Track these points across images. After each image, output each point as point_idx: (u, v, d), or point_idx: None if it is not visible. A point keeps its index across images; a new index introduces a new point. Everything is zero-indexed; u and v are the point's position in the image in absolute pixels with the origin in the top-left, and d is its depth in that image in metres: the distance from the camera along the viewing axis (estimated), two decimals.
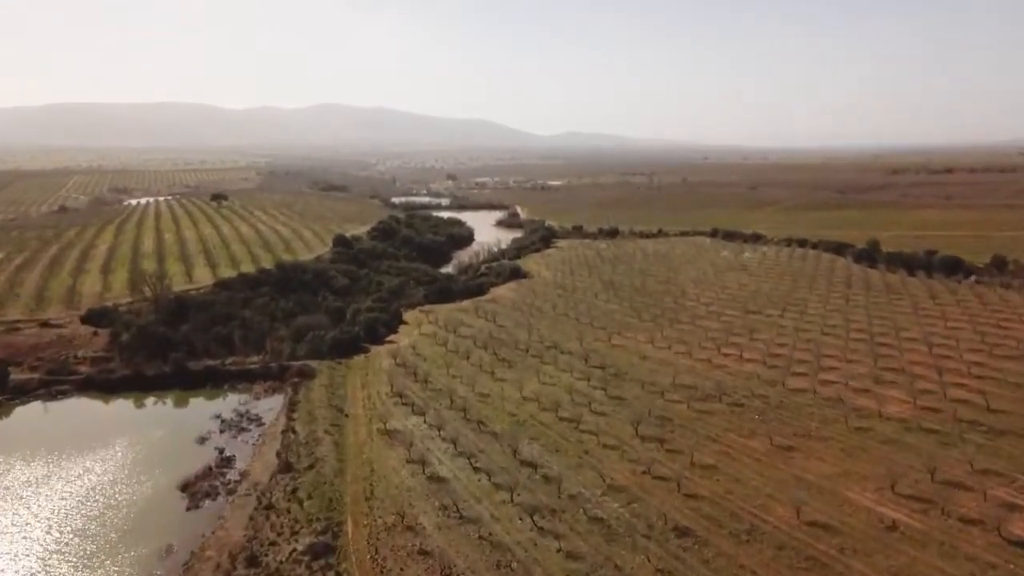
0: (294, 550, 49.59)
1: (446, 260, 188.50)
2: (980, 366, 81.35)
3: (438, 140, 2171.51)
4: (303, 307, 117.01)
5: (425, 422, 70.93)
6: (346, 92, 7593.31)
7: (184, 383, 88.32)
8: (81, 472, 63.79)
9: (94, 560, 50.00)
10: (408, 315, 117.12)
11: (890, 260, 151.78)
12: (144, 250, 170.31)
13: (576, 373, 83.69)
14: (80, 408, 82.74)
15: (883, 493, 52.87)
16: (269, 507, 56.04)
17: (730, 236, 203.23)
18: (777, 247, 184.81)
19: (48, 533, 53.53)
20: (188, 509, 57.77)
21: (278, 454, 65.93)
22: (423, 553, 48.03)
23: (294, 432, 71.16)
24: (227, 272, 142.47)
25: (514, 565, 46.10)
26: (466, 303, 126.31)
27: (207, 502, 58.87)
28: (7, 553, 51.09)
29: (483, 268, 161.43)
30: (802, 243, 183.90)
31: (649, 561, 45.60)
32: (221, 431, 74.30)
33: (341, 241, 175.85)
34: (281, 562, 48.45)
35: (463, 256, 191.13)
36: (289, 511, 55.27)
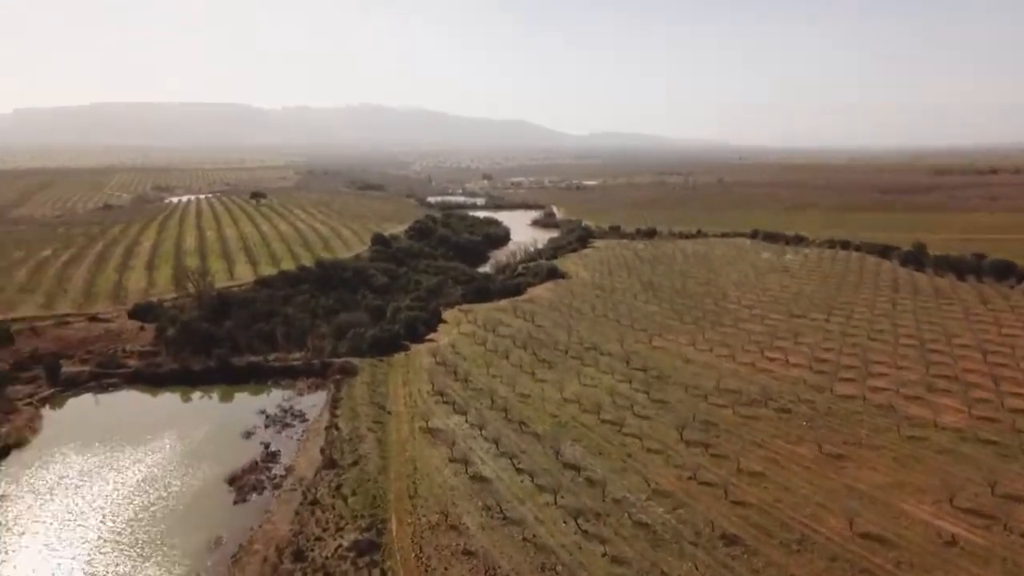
0: (339, 546, 49.81)
1: (483, 260, 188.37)
2: None
3: (474, 140, 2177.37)
4: (343, 305, 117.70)
5: (467, 421, 70.84)
6: (382, 93, 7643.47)
7: (229, 378, 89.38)
8: (132, 463, 64.84)
9: (146, 550, 50.79)
10: (447, 314, 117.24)
11: (938, 264, 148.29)
12: (187, 247, 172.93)
13: (617, 375, 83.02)
14: (129, 401, 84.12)
15: (940, 506, 51.53)
16: (314, 502, 56.41)
17: (771, 237, 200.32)
18: (819, 249, 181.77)
19: (102, 522, 54.49)
20: (235, 502, 58.43)
21: (322, 450, 66.31)
22: (467, 553, 47.90)
23: (337, 429, 71.56)
24: (268, 269, 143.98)
25: (559, 568, 45.78)
26: (504, 303, 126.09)
27: (254, 496, 59.47)
28: (64, 541, 52.12)
29: (520, 268, 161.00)
30: (845, 245, 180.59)
31: (697, 569, 45.03)
32: (266, 426, 75.03)
33: (379, 240, 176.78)
34: (327, 558, 48.69)
35: (500, 256, 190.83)
36: (334, 507, 55.57)
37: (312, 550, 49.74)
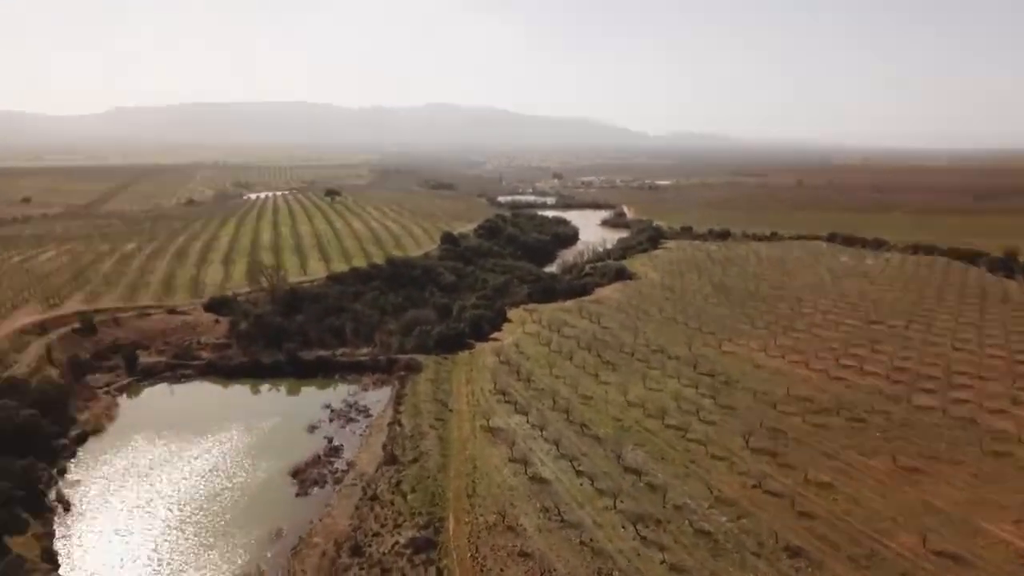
0: (396, 542, 50.05)
1: (550, 259, 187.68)
2: None
3: (544, 139, 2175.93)
4: (411, 302, 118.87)
5: (528, 421, 70.45)
6: (455, 92, 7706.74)
7: (297, 372, 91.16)
8: (200, 453, 66.69)
9: (209, 539, 52.10)
10: (512, 313, 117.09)
11: None
12: (262, 242, 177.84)
13: (684, 379, 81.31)
14: (201, 392, 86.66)
15: (1022, 525, 48.64)
16: (374, 498, 56.87)
17: (850, 241, 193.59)
18: (902, 254, 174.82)
19: (169, 511, 56.13)
20: (297, 495, 59.42)
21: (384, 446, 66.93)
22: (523, 555, 47.47)
23: (400, 425, 72.14)
24: (340, 266, 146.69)
25: (615, 574, 44.91)
26: (569, 303, 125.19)
27: (315, 489, 60.38)
28: (131, 528, 53.85)
29: (587, 268, 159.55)
30: (929, 250, 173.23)
31: None
32: (330, 420, 76.21)
33: (448, 239, 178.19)
34: (384, 554, 48.98)
35: (567, 255, 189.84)
36: (393, 503, 55.90)
37: (370, 546, 50.12)
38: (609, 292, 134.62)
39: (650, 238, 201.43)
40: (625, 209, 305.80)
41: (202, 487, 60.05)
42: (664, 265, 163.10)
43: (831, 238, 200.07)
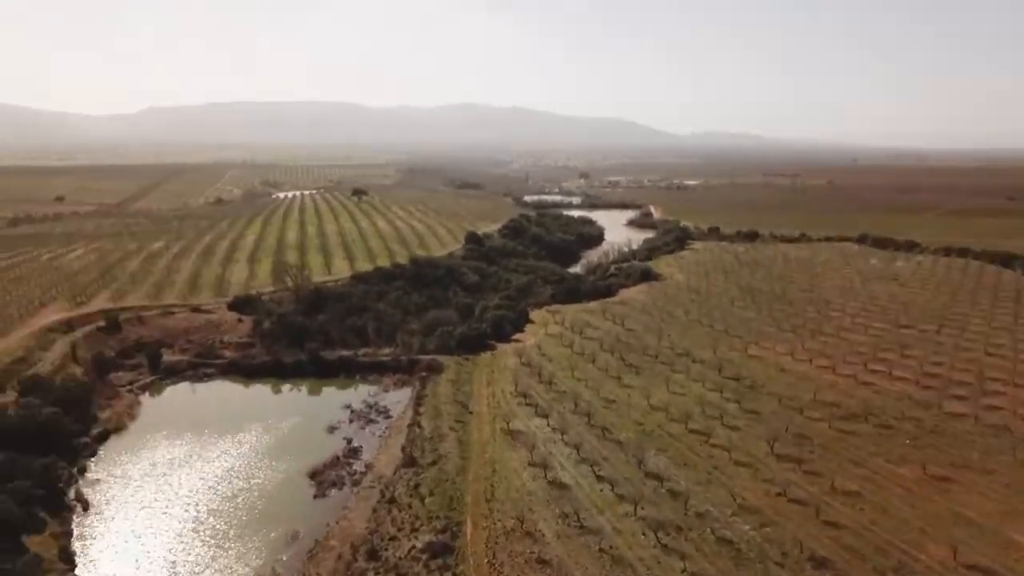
0: (413, 547, 49.55)
1: (575, 259, 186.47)
2: None
3: (572, 139, 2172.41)
4: (434, 302, 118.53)
5: (548, 425, 69.61)
6: (482, 91, 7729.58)
7: (319, 372, 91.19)
8: (219, 454, 66.78)
9: (225, 540, 52.01)
10: (535, 314, 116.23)
11: None
12: (288, 241, 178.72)
13: (708, 383, 79.91)
14: (223, 391, 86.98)
15: None
16: (392, 501, 56.45)
17: (880, 243, 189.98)
18: (934, 256, 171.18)
19: (186, 511, 56.19)
20: (315, 497, 59.25)
21: (403, 448, 66.51)
22: (541, 562, 46.72)
23: (419, 427, 71.68)
24: (364, 265, 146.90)
25: None
26: (593, 304, 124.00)
27: (333, 491, 60.14)
28: (148, 527, 53.94)
29: (612, 269, 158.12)
30: (962, 252, 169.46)
31: None
32: (350, 421, 76.03)
33: (473, 238, 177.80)
34: (400, 558, 48.52)
35: (592, 256, 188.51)
36: (411, 506, 55.44)
37: (386, 550, 49.69)
38: (634, 293, 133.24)
39: (677, 239, 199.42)
40: (652, 209, 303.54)
41: (220, 488, 60.06)
42: (690, 266, 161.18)
43: (861, 240, 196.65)
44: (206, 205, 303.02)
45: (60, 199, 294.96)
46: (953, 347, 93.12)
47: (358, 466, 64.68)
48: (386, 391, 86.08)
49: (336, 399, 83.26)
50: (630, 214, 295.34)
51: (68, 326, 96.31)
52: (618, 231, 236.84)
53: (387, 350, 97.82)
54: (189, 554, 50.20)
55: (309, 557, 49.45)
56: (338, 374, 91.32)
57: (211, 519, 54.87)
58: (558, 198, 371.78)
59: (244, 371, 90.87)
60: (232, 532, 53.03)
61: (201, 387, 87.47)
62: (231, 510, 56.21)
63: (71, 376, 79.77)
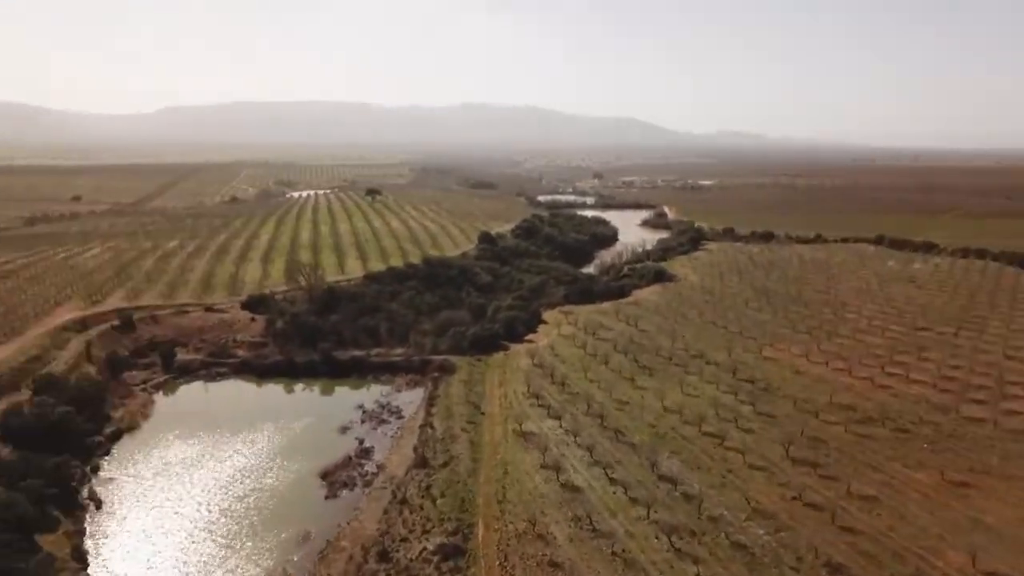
0: (424, 549, 49.32)
1: (588, 260, 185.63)
2: None
3: (586, 138, 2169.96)
4: (447, 302, 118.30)
5: (561, 426, 69.22)
6: (495, 90, 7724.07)
7: (331, 372, 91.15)
8: (231, 453, 66.80)
9: (236, 541, 51.95)
10: (547, 315, 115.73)
11: None
12: (302, 241, 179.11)
13: (722, 386, 79.22)
14: (235, 390, 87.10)
15: None
16: (403, 502, 56.26)
17: (898, 244, 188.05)
18: (951, 258, 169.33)
19: (197, 511, 56.20)
20: (327, 497, 59.12)
21: (415, 449, 66.31)
22: (553, 565, 46.37)
23: (432, 427, 71.48)
24: (377, 265, 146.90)
25: None
26: (607, 305, 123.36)
27: (345, 492, 60.00)
28: (160, 527, 53.97)
29: (626, 269, 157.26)
30: (981, 254, 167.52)
31: None
32: (362, 421, 75.90)
33: (486, 238, 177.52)
34: (411, 560, 48.30)
35: (606, 256, 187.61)
36: (422, 508, 55.21)
37: (397, 551, 49.49)
38: (647, 294, 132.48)
39: (691, 239, 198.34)
40: (666, 209, 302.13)
41: (232, 488, 60.04)
42: (704, 267, 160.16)
43: (878, 241, 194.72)
44: (221, 204, 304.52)
45: (77, 198, 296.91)
46: (972, 350, 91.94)
47: (370, 467, 64.54)
48: (398, 391, 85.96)
49: (348, 399, 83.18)
50: (644, 214, 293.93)
51: (83, 325, 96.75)
52: (632, 231, 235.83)
53: (399, 350, 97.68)
54: (200, 554, 50.17)
55: (320, 558, 49.32)
56: (350, 374, 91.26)
57: (223, 519, 54.87)
58: (572, 198, 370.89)
59: (257, 371, 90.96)
60: (243, 532, 52.99)
61: (214, 386, 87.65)
62: (243, 510, 56.19)
63: (85, 375, 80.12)
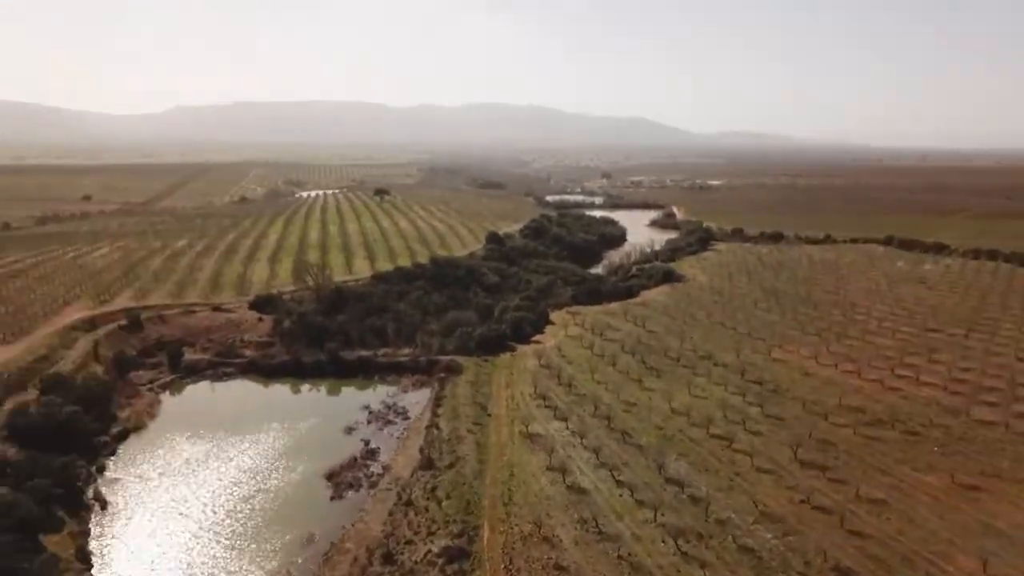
0: (429, 551, 49.06)
1: (597, 260, 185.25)
2: None
3: (593, 138, 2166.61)
4: (455, 302, 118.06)
5: (567, 428, 68.88)
6: (503, 91, 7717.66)
7: (338, 372, 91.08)
8: (237, 454, 66.69)
9: (240, 542, 51.82)
10: (555, 315, 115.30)
11: None
12: (310, 241, 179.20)
13: (731, 387, 78.71)
14: (242, 391, 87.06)
15: None
16: (408, 504, 56.03)
17: (907, 245, 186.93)
18: (962, 258, 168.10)
19: (202, 511, 56.09)
20: (332, 499, 58.93)
21: (421, 450, 66.08)
22: (559, 568, 46.06)
23: (438, 428, 71.22)
24: (385, 265, 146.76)
25: None
26: (614, 305, 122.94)
27: (350, 493, 59.81)
28: (165, 528, 53.89)
29: (634, 269, 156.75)
30: (993, 255, 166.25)
31: None
32: (368, 422, 75.68)
33: (493, 238, 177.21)
34: (416, 562, 48.06)
35: (614, 256, 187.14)
36: (427, 510, 54.96)
37: (402, 553, 49.26)
38: (655, 295, 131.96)
39: (699, 240, 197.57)
40: (675, 210, 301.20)
41: (237, 489, 59.91)
42: (713, 268, 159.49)
43: (888, 241, 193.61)
44: (230, 204, 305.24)
45: (87, 198, 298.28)
46: (983, 352, 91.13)
47: (375, 468, 64.31)
48: (405, 392, 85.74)
49: (355, 400, 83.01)
50: (652, 214, 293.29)
51: (91, 324, 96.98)
52: (641, 231, 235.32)
53: (406, 350, 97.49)
54: (204, 556, 50.05)
55: (324, 560, 49.12)
56: (357, 374, 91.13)
57: (227, 520, 54.73)
58: (580, 198, 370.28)
59: (264, 371, 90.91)
60: (248, 534, 52.85)
61: (221, 386, 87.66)
62: (247, 511, 56.05)
63: (92, 375, 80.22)
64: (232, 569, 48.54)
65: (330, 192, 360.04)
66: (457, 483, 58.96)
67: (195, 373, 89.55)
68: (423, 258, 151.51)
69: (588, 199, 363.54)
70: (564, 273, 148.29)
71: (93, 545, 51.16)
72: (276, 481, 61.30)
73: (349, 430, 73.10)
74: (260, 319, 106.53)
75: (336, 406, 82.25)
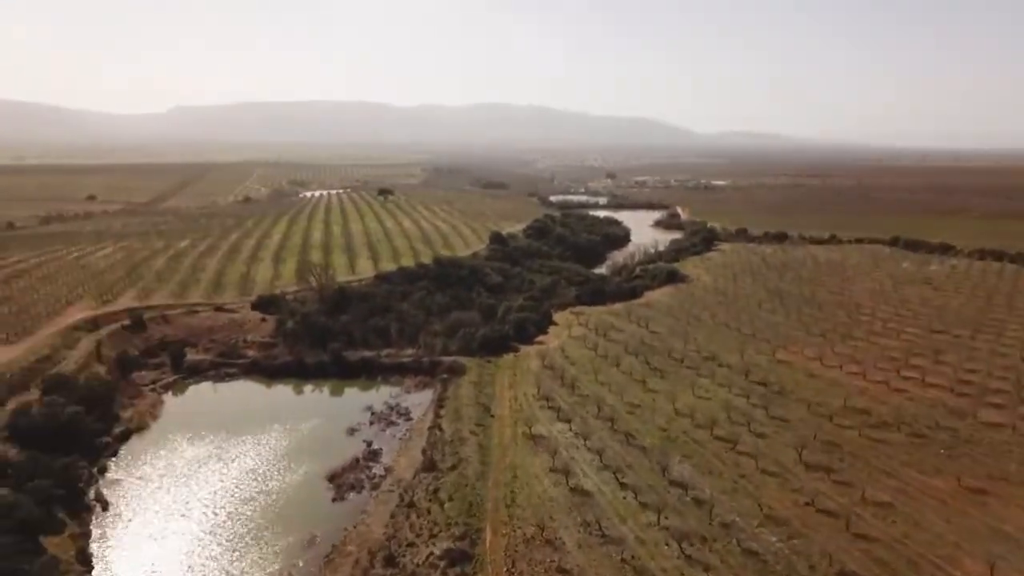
0: (431, 554, 48.76)
1: (600, 260, 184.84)
2: None
3: (598, 138, 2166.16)
4: (458, 303, 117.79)
5: (571, 429, 68.53)
6: (507, 91, 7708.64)
7: (341, 373, 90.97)
8: (239, 455, 66.53)
9: (242, 544, 51.64)
10: (558, 316, 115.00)
11: None
12: (313, 241, 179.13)
13: (735, 389, 78.29)
14: (244, 391, 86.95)
15: None
16: (411, 505, 55.76)
17: (913, 245, 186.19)
18: (968, 259, 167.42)
19: (203, 513, 55.92)
20: (334, 500, 58.75)
21: (423, 451, 65.81)
22: (562, 571, 45.74)
23: (440, 430, 70.93)
24: (388, 265, 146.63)
25: None
26: (618, 306, 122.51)
27: (352, 495, 59.60)
28: (166, 529, 53.72)
29: (638, 270, 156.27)
30: (999, 255, 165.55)
31: None
32: (371, 423, 75.49)
33: (497, 239, 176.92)
34: (417, 565, 47.77)
35: (618, 257, 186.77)
36: (429, 512, 54.67)
37: (404, 556, 48.98)
38: (659, 295, 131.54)
39: (704, 240, 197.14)
40: (679, 210, 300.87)
41: (239, 490, 59.75)
42: (717, 268, 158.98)
43: (893, 242, 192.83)
44: (234, 204, 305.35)
45: (91, 198, 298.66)
46: (989, 353, 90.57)
47: (377, 469, 64.11)
48: (407, 393, 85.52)
49: (357, 400, 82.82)
50: (657, 215, 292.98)
51: (94, 324, 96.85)
52: (645, 232, 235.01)
53: (409, 351, 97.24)
54: (205, 558, 49.90)
55: (326, 562, 48.89)
56: (360, 375, 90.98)
57: (229, 522, 54.57)
58: (584, 198, 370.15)
59: (266, 371, 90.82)
60: (249, 536, 52.68)
61: (223, 387, 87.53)
62: (249, 513, 55.88)
63: (95, 375, 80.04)
64: (233, 571, 48.35)
65: (334, 192, 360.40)
66: (459, 485, 58.63)
67: (198, 373, 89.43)
68: (427, 258, 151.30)
69: (592, 199, 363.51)
70: (568, 273, 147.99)
71: (94, 547, 51.04)
72: (278, 483, 61.11)
73: (351, 431, 72.90)
74: (263, 319, 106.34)
75: (339, 407, 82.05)
